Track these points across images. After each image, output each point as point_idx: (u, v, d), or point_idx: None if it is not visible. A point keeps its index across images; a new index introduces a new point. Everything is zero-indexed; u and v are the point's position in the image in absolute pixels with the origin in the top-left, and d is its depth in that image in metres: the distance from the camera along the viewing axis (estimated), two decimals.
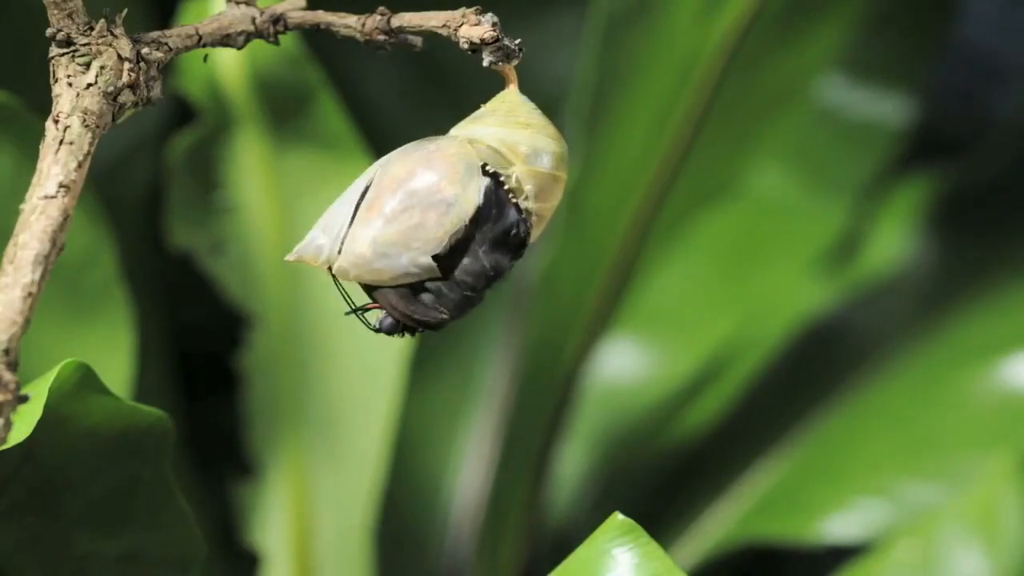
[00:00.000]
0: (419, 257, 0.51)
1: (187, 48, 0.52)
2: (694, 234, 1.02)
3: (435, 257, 0.51)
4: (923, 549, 0.85)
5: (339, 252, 0.51)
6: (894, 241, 1.01)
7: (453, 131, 0.52)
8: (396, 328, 0.53)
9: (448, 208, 0.51)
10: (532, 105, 0.53)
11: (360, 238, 0.51)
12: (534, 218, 0.52)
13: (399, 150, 0.52)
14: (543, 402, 0.92)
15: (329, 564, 0.84)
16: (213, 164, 0.79)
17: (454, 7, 0.52)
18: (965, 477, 0.92)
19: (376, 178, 0.51)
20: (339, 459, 0.83)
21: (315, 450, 0.83)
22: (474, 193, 0.51)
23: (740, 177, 1.02)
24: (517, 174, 0.52)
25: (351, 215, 0.51)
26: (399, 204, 0.51)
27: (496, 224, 0.52)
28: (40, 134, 0.49)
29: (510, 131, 0.52)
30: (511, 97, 0.53)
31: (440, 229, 0.51)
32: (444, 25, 0.52)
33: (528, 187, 0.52)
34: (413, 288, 0.52)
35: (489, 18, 0.51)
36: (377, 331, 0.53)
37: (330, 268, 0.52)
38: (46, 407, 0.54)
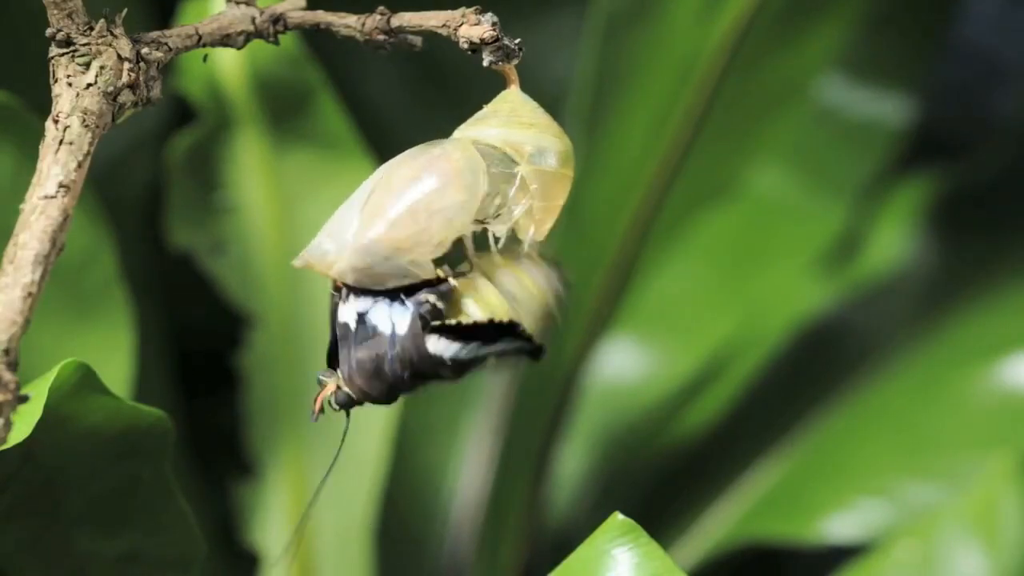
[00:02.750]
0: (420, 259, 0.51)
1: (187, 48, 0.52)
2: (694, 234, 1.02)
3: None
4: (923, 549, 0.85)
5: (343, 255, 0.51)
6: (894, 241, 1.01)
7: (456, 133, 0.52)
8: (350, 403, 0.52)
9: (453, 214, 0.51)
10: (534, 104, 0.53)
11: (364, 242, 0.51)
12: (539, 217, 0.52)
13: (404, 154, 0.52)
14: (543, 402, 0.92)
15: (329, 564, 0.84)
16: (213, 164, 0.79)
17: (454, 7, 0.52)
18: (965, 477, 0.92)
19: (381, 183, 0.51)
20: (339, 459, 0.83)
21: (315, 450, 0.83)
22: (480, 197, 0.51)
23: (740, 177, 1.02)
24: (522, 174, 0.52)
25: (356, 219, 0.51)
26: (404, 210, 0.51)
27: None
28: (40, 134, 0.49)
29: (514, 131, 0.52)
30: (513, 97, 0.53)
31: (443, 234, 0.51)
32: (444, 25, 0.52)
33: (534, 186, 0.52)
34: (378, 366, 0.52)
35: (489, 18, 0.51)
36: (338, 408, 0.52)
37: (331, 273, 0.52)
38: (46, 407, 0.54)
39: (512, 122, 0.52)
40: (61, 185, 0.47)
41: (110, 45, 0.50)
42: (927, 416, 0.95)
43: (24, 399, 0.44)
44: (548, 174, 0.52)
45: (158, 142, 0.87)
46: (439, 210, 0.51)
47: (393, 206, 0.51)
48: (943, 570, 0.84)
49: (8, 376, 0.43)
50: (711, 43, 0.85)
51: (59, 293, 0.72)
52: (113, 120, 0.50)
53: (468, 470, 1.00)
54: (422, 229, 0.51)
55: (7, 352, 0.44)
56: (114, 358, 0.73)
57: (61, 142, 0.48)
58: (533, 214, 0.52)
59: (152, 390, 0.84)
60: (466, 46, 0.51)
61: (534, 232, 0.52)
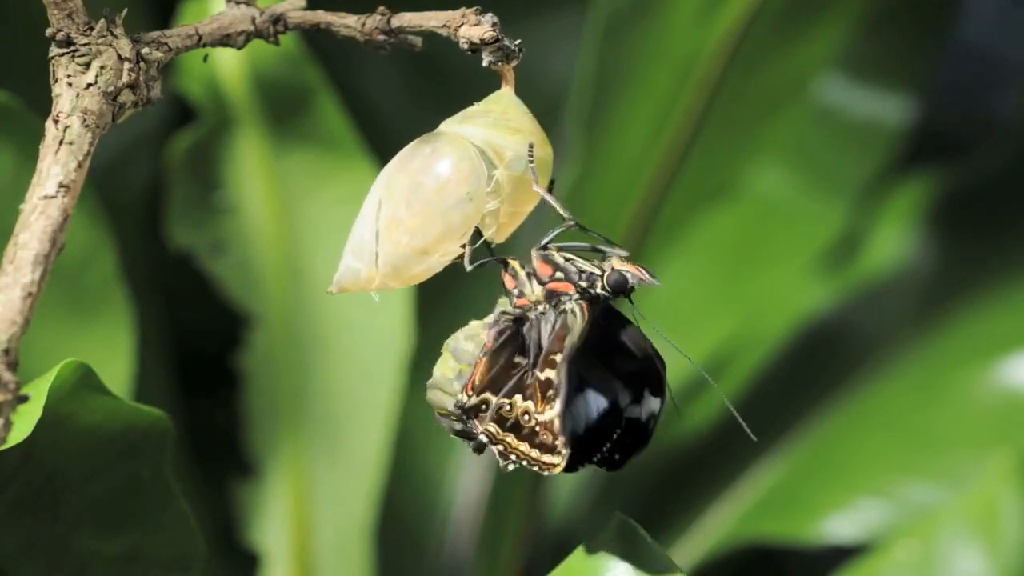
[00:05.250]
0: (450, 250, 0.52)
1: (187, 48, 0.52)
2: (694, 234, 1.02)
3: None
4: (923, 549, 0.85)
5: (376, 271, 0.52)
6: (894, 241, 1.01)
7: (443, 126, 0.53)
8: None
9: (466, 205, 0.51)
10: (525, 108, 0.53)
11: (391, 258, 0.52)
12: (504, 219, 0.52)
13: (397, 158, 0.52)
14: None
15: (329, 564, 0.84)
16: (213, 164, 0.79)
17: (454, 7, 0.52)
18: (965, 477, 0.92)
19: (385, 194, 0.52)
20: (339, 459, 0.83)
21: (315, 450, 0.83)
22: (484, 178, 0.51)
23: (740, 177, 1.02)
24: (499, 178, 0.52)
25: (375, 235, 0.52)
26: (417, 217, 0.51)
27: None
28: (40, 134, 0.49)
29: (498, 134, 0.52)
30: (505, 99, 0.53)
31: (464, 226, 0.52)
32: (444, 25, 0.52)
33: (507, 191, 0.52)
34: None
35: (489, 18, 0.51)
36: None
37: (373, 287, 0.52)
38: (46, 407, 0.54)
39: (499, 125, 0.52)
40: (61, 185, 0.47)
41: (110, 45, 0.50)
42: (927, 416, 0.95)
43: (24, 399, 0.44)
44: (523, 181, 0.52)
45: (158, 142, 0.87)
46: (450, 207, 0.51)
47: (405, 216, 0.51)
48: (943, 570, 0.84)
49: (8, 376, 0.43)
50: (711, 43, 0.85)
51: (59, 293, 0.72)
52: (113, 120, 0.50)
53: (468, 470, 1.00)
54: (441, 229, 0.51)
55: (7, 352, 0.44)
56: (114, 358, 0.73)
57: (61, 142, 0.48)
58: (498, 217, 0.52)
59: (152, 390, 0.84)
60: (466, 46, 0.51)
61: (495, 233, 0.53)
